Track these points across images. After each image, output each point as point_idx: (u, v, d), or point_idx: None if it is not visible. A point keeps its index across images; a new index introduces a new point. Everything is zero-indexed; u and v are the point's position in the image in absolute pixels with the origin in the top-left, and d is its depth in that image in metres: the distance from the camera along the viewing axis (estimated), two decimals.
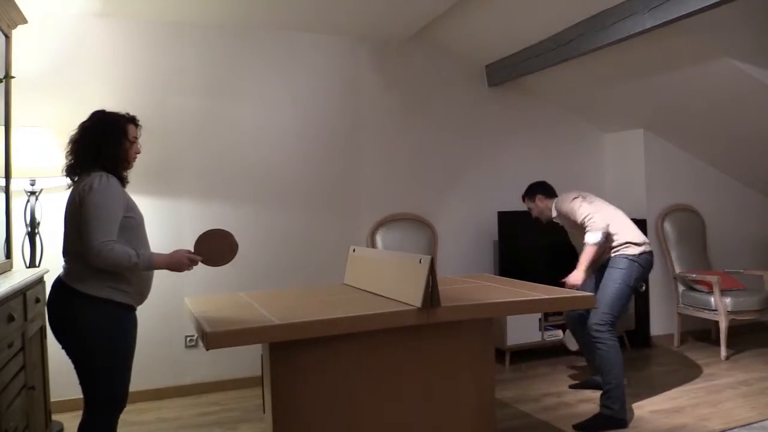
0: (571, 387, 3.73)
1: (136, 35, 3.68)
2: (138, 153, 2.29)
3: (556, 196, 3.58)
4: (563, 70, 4.12)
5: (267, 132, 4.01)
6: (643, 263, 3.30)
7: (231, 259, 2.30)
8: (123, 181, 2.23)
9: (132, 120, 2.27)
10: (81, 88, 3.50)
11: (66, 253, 2.16)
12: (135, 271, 2.12)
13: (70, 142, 2.20)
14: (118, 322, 2.14)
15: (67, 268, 2.14)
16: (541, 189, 3.62)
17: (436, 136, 4.53)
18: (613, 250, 3.33)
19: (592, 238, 3.24)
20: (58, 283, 2.15)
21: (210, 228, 2.30)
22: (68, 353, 2.12)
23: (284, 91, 4.05)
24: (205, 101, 3.85)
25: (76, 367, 2.12)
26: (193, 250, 2.24)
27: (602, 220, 3.27)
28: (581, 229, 3.33)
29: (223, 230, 2.30)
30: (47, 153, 3.13)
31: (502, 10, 3.75)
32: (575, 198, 3.40)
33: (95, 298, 2.07)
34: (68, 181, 2.21)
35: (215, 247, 2.27)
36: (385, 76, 4.36)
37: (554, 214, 3.54)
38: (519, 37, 4.10)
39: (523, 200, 3.69)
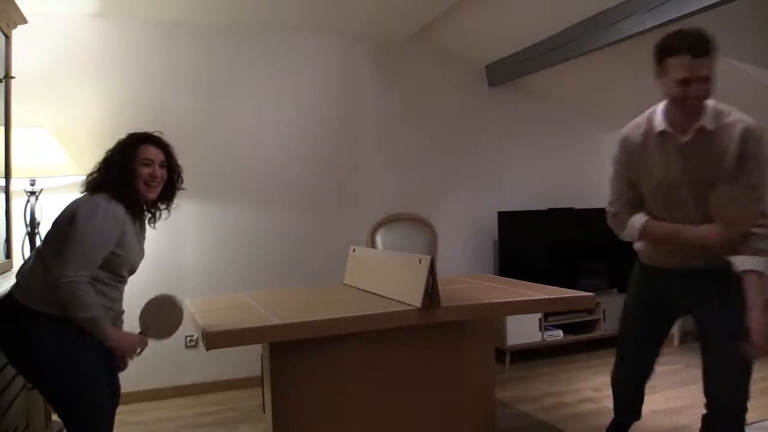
0: None
1: (136, 35, 3.68)
2: (154, 177, 1.97)
3: None
4: (563, 70, 4.11)
5: (266, 132, 4.00)
6: None
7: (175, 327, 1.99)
8: (133, 210, 1.97)
9: (146, 139, 1.98)
10: (81, 87, 3.50)
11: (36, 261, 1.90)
12: (88, 315, 1.79)
13: None
14: (79, 340, 1.83)
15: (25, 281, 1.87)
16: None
17: (435, 136, 4.53)
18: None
19: None
20: (9, 300, 1.85)
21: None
22: (30, 380, 1.92)
23: (283, 91, 4.05)
24: (204, 101, 3.85)
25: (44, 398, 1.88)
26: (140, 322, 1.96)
27: None
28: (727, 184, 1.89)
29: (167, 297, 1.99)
30: (47, 153, 3.12)
31: (502, 10, 3.75)
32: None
33: (50, 316, 1.80)
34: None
35: (165, 316, 1.98)
36: (384, 76, 4.35)
37: (708, 121, 1.91)
38: (519, 37, 4.10)
39: (702, 54, 1.80)
